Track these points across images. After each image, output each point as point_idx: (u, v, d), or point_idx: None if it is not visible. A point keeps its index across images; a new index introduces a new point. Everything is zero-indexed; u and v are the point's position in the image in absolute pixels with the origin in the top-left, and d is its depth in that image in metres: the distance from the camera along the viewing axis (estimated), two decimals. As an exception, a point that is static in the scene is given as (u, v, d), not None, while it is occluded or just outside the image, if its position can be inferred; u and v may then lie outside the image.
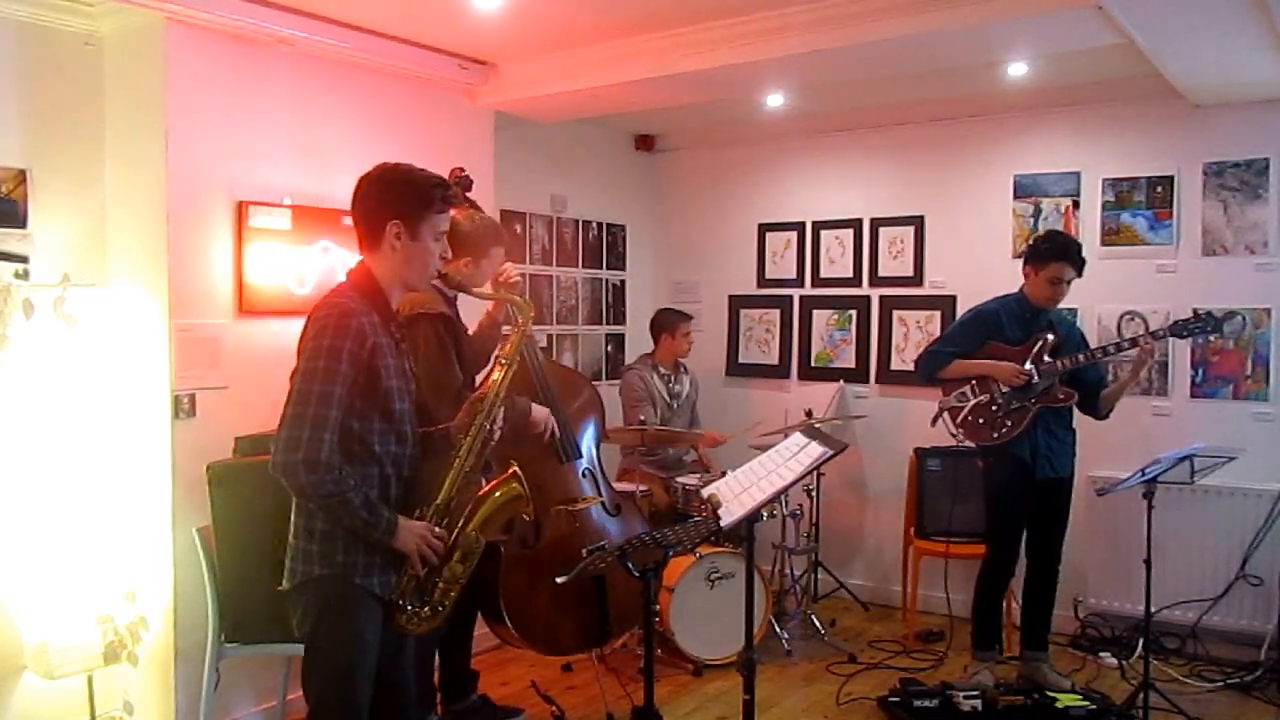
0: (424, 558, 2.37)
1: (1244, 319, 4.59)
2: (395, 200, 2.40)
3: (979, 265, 5.19)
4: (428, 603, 2.43)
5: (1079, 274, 4.05)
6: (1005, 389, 4.01)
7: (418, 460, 2.47)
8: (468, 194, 3.82)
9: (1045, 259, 4.02)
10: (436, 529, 2.41)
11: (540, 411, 3.62)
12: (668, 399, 5.27)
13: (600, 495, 3.94)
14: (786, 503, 4.80)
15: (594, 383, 4.58)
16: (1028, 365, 3.99)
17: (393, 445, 2.37)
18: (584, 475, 3.92)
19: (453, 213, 3.71)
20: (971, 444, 4.14)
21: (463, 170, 3.82)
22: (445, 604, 2.45)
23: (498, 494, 2.52)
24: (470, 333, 3.68)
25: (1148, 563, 3.80)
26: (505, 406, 3.43)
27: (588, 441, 3.98)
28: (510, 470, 2.55)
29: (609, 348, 6.11)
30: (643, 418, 4.97)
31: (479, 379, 3.72)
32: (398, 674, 2.49)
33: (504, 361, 2.63)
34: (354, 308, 2.32)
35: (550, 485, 3.79)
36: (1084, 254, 4.05)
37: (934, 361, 4.18)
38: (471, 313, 3.73)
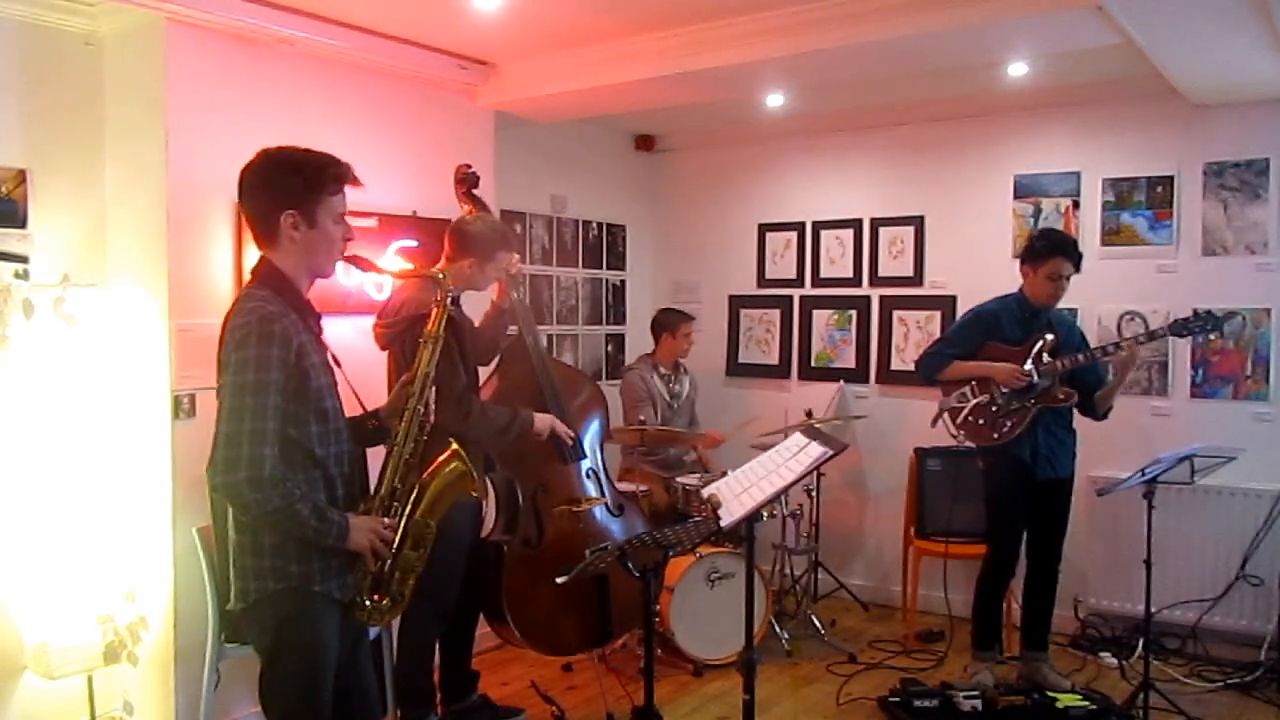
0: (377, 552, 2.31)
1: (1244, 319, 4.59)
2: (285, 189, 2.28)
3: (979, 265, 5.19)
4: (386, 594, 2.38)
5: (1077, 269, 4.05)
6: (1005, 389, 4.01)
7: (356, 453, 2.41)
8: (475, 191, 3.83)
9: (1042, 256, 4.02)
10: (385, 520, 2.34)
11: (544, 421, 3.62)
12: (668, 399, 5.27)
13: (604, 496, 3.94)
14: (786, 503, 4.80)
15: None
16: (1027, 365, 3.99)
17: (331, 445, 2.30)
18: (588, 475, 3.92)
19: (461, 212, 3.72)
20: (972, 444, 4.14)
21: (469, 167, 3.82)
22: (404, 593, 2.40)
23: (443, 472, 2.44)
24: (475, 325, 3.70)
25: (1148, 563, 3.80)
26: (487, 408, 3.45)
27: (592, 441, 3.99)
28: (450, 450, 2.47)
29: (609, 348, 6.11)
30: (643, 418, 4.97)
31: (480, 379, 3.73)
32: (356, 675, 2.45)
33: (425, 339, 2.51)
34: (273, 310, 2.21)
35: (554, 485, 3.80)
36: (1080, 250, 4.06)
37: (934, 362, 4.18)
38: (475, 308, 3.74)
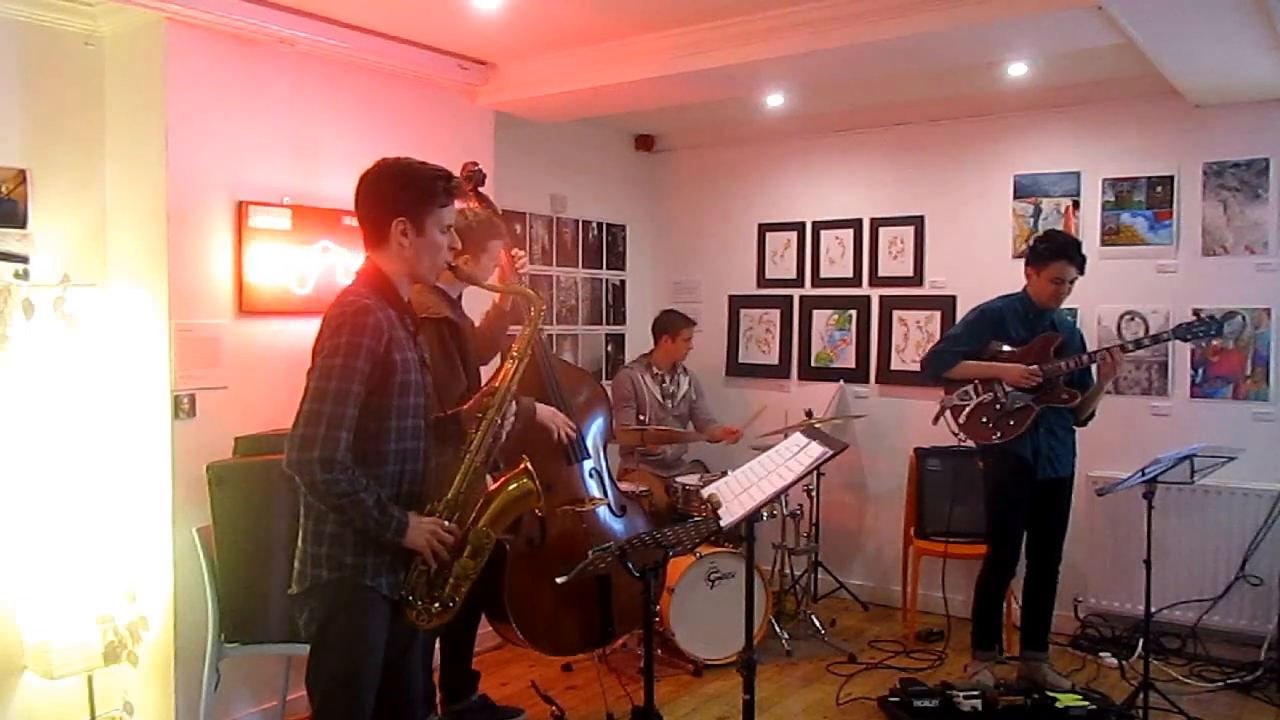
0: (435, 553, 2.35)
1: (1244, 319, 4.59)
2: (398, 197, 2.38)
3: (979, 265, 5.19)
4: (438, 598, 2.41)
5: (1081, 272, 4.04)
6: (1009, 389, 4.01)
7: (431, 451, 2.46)
8: (480, 188, 3.83)
9: (1046, 259, 4.02)
10: (447, 524, 2.39)
11: (546, 411, 3.63)
12: (660, 399, 5.26)
13: (606, 496, 3.94)
14: (786, 503, 4.80)
15: (594, 383, 4.58)
16: (1033, 364, 3.99)
17: (407, 441, 2.35)
18: (590, 475, 3.93)
19: (466, 210, 3.72)
20: (973, 443, 4.14)
21: (475, 164, 3.82)
22: (455, 599, 2.44)
23: (510, 488, 2.51)
24: (476, 325, 3.70)
25: (1148, 563, 3.80)
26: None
27: (595, 441, 3.99)
28: (522, 465, 2.53)
29: (609, 348, 6.11)
30: (643, 418, 4.97)
31: (481, 380, 3.73)
32: (404, 674, 2.48)
33: (515, 355, 2.60)
34: (370, 304, 2.29)
35: (557, 485, 3.80)
36: (1084, 252, 4.05)
37: (941, 361, 4.17)
38: (476, 306, 3.74)
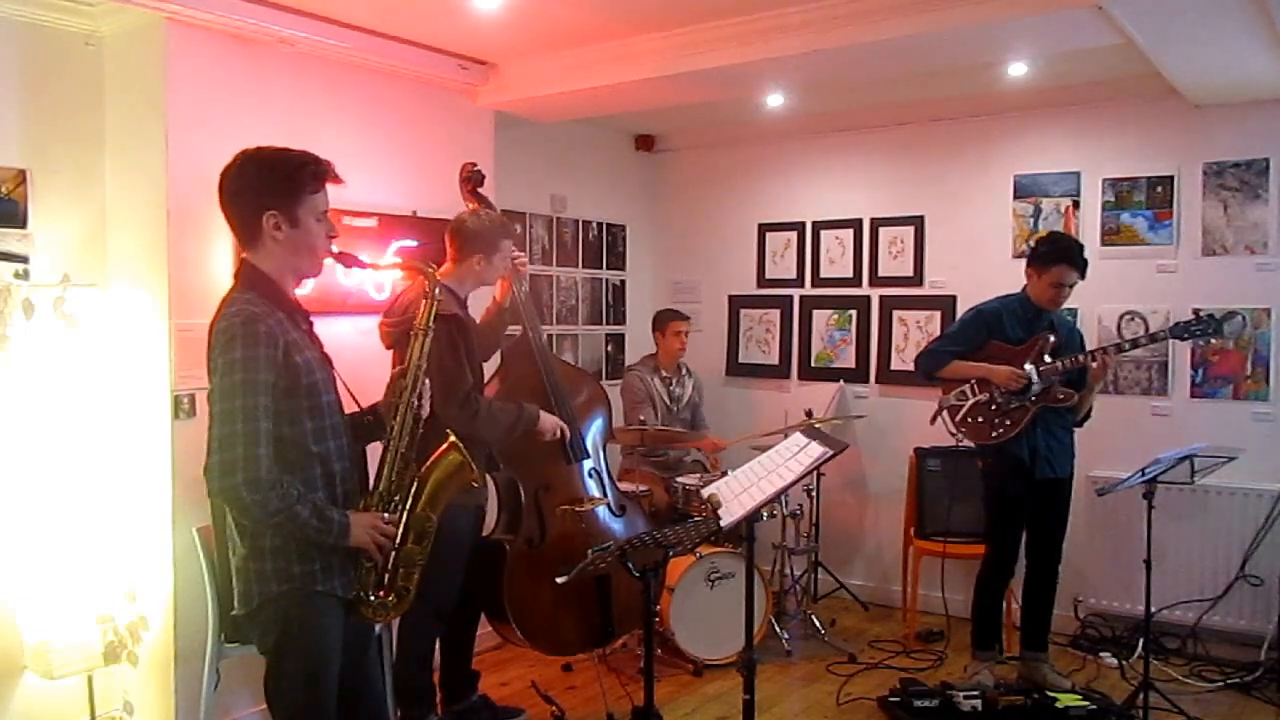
0: (380, 547, 2.31)
1: (1244, 319, 4.59)
2: (265, 189, 2.27)
3: (979, 265, 5.19)
4: (391, 590, 2.37)
5: (1082, 277, 4.04)
6: (1004, 390, 4.01)
7: (354, 449, 2.40)
8: (479, 189, 3.84)
9: (1048, 262, 4.01)
10: (385, 515, 2.34)
11: (549, 420, 3.63)
12: (668, 401, 5.27)
13: (606, 496, 3.94)
14: (786, 503, 4.80)
15: (594, 383, 4.57)
16: (1027, 366, 3.99)
17: (328, 440, 2.29)
18: (590, 475, 3.92)
19: (464, 210, 3.72)
20: (971, 443, 4.14)
21: (474, 165, 3.82)
22: (409, 588, 2.39)
23: (440, 466, 2.44)
24: (478, 321, 3.71)
25: (1148, 563, 3.80)
26: (494, 406, 3.45)
27: (594, 441, 3.99)
28: (448, 442, 2.46)
29: (609, 348, 6.11)
30: (642, 418, 4.97)
31: (485, 378, 3.73)
32: (363, 676, 2.45)
33: (417, 332, 2.51)
34: (257, 311, 2.20)
35: (557, 485, 3.80)
36: (1086, 257, 4.05)
37: (934, 360, 4.18)
38: (476, 304, 3.74)
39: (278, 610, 2.25)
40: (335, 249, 2.40)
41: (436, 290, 2.54)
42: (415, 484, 2.41)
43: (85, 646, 3.35)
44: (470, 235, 3.53)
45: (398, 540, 2.36)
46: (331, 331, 2.50)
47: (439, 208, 4.19)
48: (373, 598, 2.35)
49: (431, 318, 2.52)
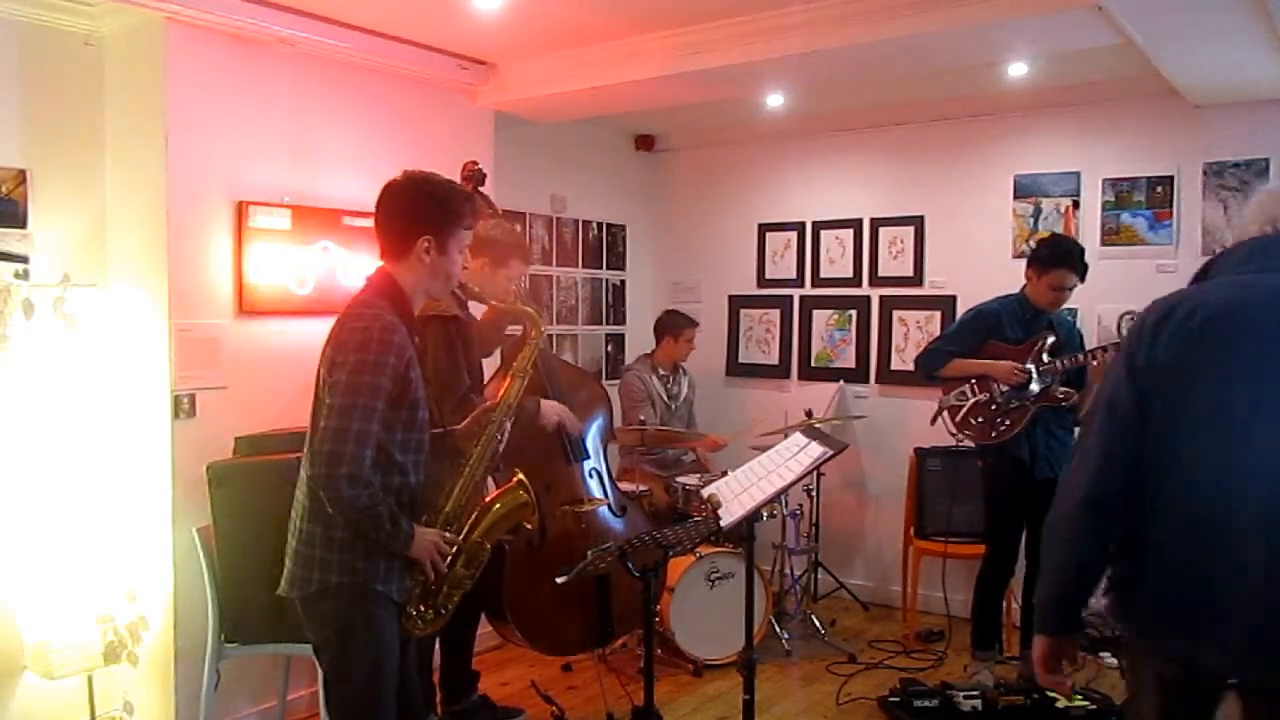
0: (434, 564, 2.41)
1: (1244, 319, 4.58)
2: (427, 215, 2.41)
3: (979, 265, 5.19)
4: (432, 606, 2.47)
5: (1082, 280, 4.04)
6: (1004, 388, 4.01)
7: (429, 462, 2.49)
8: (481, 188, 3.84)
9: (1048, 265, 4.02)
10: (447, 535, 2.45)
11: (550, 406, 3.63)
12: (666, 400, 5.27)
13: (606, 496, 3.94)
14: (786, 503, 4.80)
15: (594, 383, 4.57)
16: (1027, 364, 3.99)
17: (412, 453, 2.39)
18: (590, 475, 3.92)
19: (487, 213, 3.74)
20: (971, 443, 4.14)
21: (476, 164, 3.82)
22: (448, 607, 2.50)
23: (500, 504, 2.56)
24: (479, 320, 3.71)
25: (1148, 563, 3.79)
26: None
27: (595, 441, 3.99)
28: (515, 479, 2.59)
29: (609, 348, 6.11)
30: (643, 418, 4.97)
31: (486, 375, 3.73)
32: (403, 677, 2.51)
33: (517, 374, 2.66)
34: (394, 321, 2.33)
35: (557, 485, 3.80)
36: (1086, 260, 4.04)
37: (933, 359, 4.19)
38: (476, 305, 3.74)
39: (338, 603, 2.33)
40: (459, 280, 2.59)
41: (540, 335, 2.77)
42: (478, 513, 2.52)
43: (85, 646, 3.35)
44: (484, 240, 3.52)
45: (450, 561, 2.46)
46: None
47: (439, 208, 4.19)
48: (413, 610, 2.43)
49: (532, 361, 2.72)
